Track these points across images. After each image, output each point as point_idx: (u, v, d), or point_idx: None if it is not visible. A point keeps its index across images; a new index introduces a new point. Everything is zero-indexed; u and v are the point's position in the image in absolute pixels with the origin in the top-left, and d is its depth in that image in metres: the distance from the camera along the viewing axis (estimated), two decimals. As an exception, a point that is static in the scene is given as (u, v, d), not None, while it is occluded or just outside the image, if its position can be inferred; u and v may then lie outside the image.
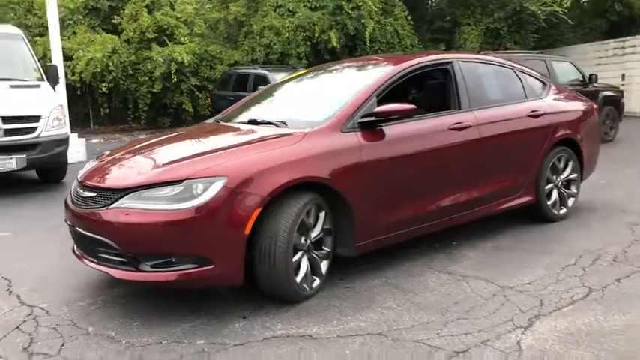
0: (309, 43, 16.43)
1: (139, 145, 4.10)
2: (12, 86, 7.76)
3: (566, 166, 5.24)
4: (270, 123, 4.04)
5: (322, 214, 3.65)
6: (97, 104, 16.40)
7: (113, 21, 16.17)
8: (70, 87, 15.33)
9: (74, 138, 10.46)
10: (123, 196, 3.31)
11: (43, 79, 8.35)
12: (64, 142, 7.87)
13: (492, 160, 4.57)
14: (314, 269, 3.66)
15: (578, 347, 2.85)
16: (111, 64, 14.95)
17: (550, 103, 5.12)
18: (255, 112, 4.50)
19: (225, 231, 3.23)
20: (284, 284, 3.41)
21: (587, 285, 3.68)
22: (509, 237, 4.79)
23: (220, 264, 3.24)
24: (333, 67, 4.98)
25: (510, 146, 4.70)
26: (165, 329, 3.24)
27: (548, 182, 5.07)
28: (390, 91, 4.31)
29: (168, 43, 15.64)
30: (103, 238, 3.34)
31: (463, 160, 4.36)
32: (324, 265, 3.73)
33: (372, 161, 3.79)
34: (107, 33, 16.10)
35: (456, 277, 3.92)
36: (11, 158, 7.24)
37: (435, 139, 4.19)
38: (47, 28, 16.04)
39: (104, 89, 15.24)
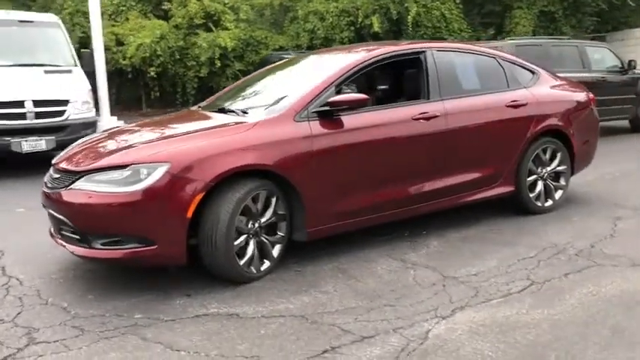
0: (352, 27, 16.42)
1: (114, 130, 4.38)
2: (46, 72, 8.30)
3: (553, 157, 5.13)
4: (233, 111, 4.21)
5: (274, 200, 3.79)
6: (149, 88, 17.04)
7: (163, 7, 16.73)
8: (122, 71, 16.10)
9: (113, 120, 11.02)
10: (79, 178, 3.57)
11: (76, 65, 8.85)
12: (91, 124, 8.36)
13: (463, 150, 4.55)
14: (265, 253, 3.82)
15: (482, 339, 2.88)
16: (159, 49, 15.50)
17: (536, 92, 5.02)
18: (229, 99, 4.67)
19: (167, 214, 3.45)
20: (226, 266, 3.59)
21: (531, 278, 3.66)
22: (483, 227, 4.78)
23: (163, 245, 3.46)
24: (311, 56, 5.09)
25: (484, 136, 4.67)
26: (113, 303, 3.49)
27: (531, 173, 4.99)
28: (362, 80, 4.40)
29: (213, 29, 16.04)
30: (62, 217, 3.63)
31: (428, 149, 4.38)
32: (276, 249, 3.88)
33: (324, 150, 3.89)
34: (158, 19, 16.68)
35: (407, 265, 3.98)
36: (41, 139, 7.77)
37: (396, 128, 4.23)
38: (102, 14, 16.89)
39: (153, 73, 15.83)
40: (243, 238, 3.65)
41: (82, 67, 8.95)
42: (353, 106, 3.97)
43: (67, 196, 3.58)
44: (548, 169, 5.11)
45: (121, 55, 15.72)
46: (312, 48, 16.25)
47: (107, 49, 15.72)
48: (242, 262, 3.65)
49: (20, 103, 7.68)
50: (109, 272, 4.01)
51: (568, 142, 5.17)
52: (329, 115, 3.98)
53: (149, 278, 3.83)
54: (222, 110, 4.36)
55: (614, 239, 4.39)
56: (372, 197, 4.15)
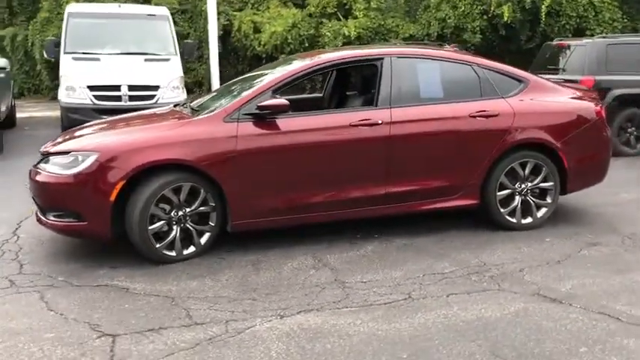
0: (485, 17, 15.78)
1: (100, 121, 5.12)
2: (146, 60, 9.48)
3: (537, 172, 4.81)
4: (184, 109, 4.69)
5: (202, 193, 4.21)
6: (284, 73, 18.13)
7: (301, -5, 17.59)
8: (259, 57, 17.33)
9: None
10: (42, 160, 4.33)
11: (175, 54, 9.92)
12: (179, 108, 9.36)
13: (411, 159, 4.52)
14: (191, 239, 4.26)
15: (286, 341, 3.04)
16: (289, 37, 16.39)
17: (516, 103, 4.73)
18: (204, 99, 5.13)
19: (94, 196, 4.06)
20: (142, 246, 4.12)
21: (411, 294, 3.64)
22: (436, 238, 4.69)
23: (91, 222, 4.08)
24: (285, 61, 5.34)
25: (439, 146, 4.57)
26: (57, 267, 4.20)
27: (503, 188, 4.75)
28: (317, 86, 4.58)
29: (341, 18, 16.50)
30: (31, 191, 4.43)
31: (368, 156, 4.43)
32: (204, 237, 4.31)
33: (249, 149, 4.21)
34: (296, 7, 17.57)
35: (317, 265, 4.15)
36: (133, 120, 8.93)
37: (331, 133, 4.37)
38: (245, 3, 18.26)
39: (283, 60, 16.82)
40: (161, 223, 4.13)
41: (182, 56, 10.00)
42: (277, 111, 4.21)
43: (33, 174, 4.35)
44: (529, 184, 4.81)
45: (256, 42, 16.89)
46: (441, 37, 15.94)
47: (246, 36, 17.10)
48: (159, 245, 4.14)
49: (117, 87, 8.91)
50: (83, 242, 4.70)
51: (557, 158, 4.81)
52: (262, 118, 4.27)
53: (107, 250, 4.39)
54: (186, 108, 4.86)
55: (557, 266, 4.10)
56: (301, 197, 4.36)
